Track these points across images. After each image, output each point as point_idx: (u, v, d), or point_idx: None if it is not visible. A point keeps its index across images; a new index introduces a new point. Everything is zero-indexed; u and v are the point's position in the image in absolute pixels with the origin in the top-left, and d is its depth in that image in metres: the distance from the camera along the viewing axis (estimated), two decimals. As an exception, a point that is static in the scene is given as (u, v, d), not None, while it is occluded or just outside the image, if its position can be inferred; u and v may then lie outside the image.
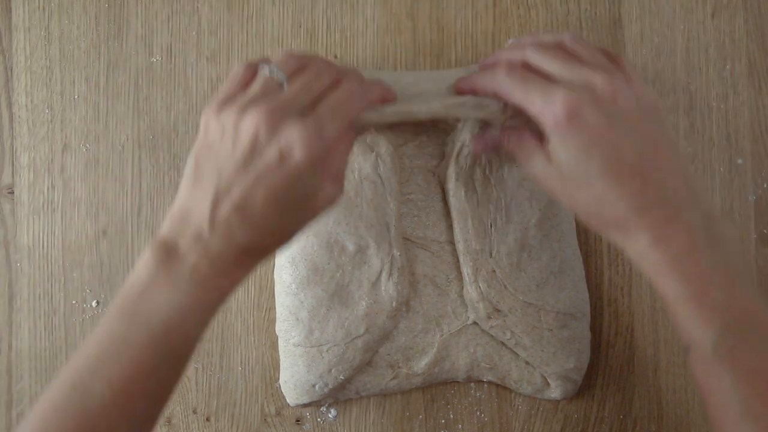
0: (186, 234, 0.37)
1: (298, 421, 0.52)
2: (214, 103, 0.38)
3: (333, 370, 0.48)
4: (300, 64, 0.40)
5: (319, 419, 0.52)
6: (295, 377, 0.49)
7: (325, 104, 0.38)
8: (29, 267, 0.53)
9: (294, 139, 0.36)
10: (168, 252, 0.37)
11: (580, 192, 0.39)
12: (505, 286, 0.48)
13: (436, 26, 0.53)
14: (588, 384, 0.51)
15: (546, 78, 0.39)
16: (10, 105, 0.54)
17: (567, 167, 0.38)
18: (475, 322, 0.49)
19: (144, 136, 0.53)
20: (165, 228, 0.38)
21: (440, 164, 0.50)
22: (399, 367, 0.49)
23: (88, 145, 0.54)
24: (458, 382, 0.51)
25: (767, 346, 0.35)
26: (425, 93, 0.45)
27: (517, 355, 0.49)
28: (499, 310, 0.48)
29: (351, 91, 0.39)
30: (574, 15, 0.53)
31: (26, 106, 0.54)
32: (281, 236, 0.39)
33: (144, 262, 0.37)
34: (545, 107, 0.38)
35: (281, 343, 0.50)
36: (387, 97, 0.42)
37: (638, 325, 0.52)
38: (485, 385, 0.52)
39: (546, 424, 0.52)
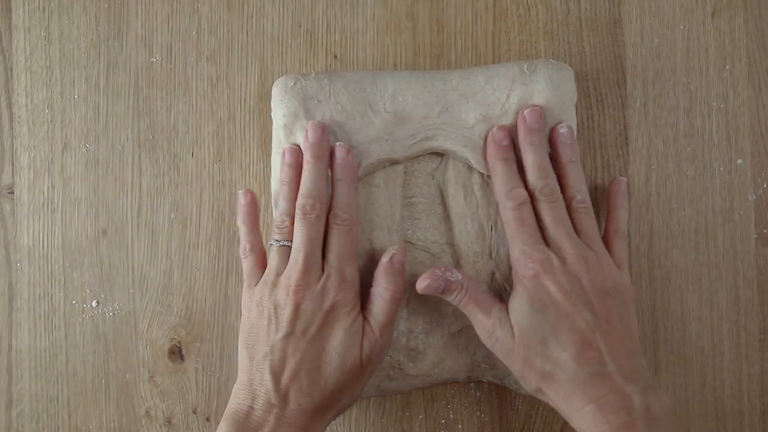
0: (257, 406, 0.42)
1: (298, 421, 0.52)
2: (246, 285, 0.47)
3: None
4: (290, 219, 0.46)
5: (319, 419, 0.52)
6: None
7: (333, 253, 0.44)
8: (29, 267, 0.53)
9: (332, 295, 0.43)
10: (242, 425, 0.41)
11: (530, 357, 0.42)
12: (505, 288, 0.48)
13: (436, 26, 0.53)
14: (588, 384, 0.51)
15: (539, 221, 0.45)
16: (10, 105, 0.54)
17: (524, 326, 0.42)
18: None
19: (144, 136, 0.53)
20: (233, 402, 0.43)
21: (438, 167, 0.50)
22: (399, 368, 0.49)
23: (88, 145, 0.54)
24: (458, 382, 0.51)
25: None
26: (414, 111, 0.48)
27: None
28: None
29: (342, 232, 0.45)
30: (574, 15, 0.53)
31: (26, 106, 0.54)
32: (343, 390, 0.43)
33: None
34: (522, 259, 0.44)
35: None
36: (356, 181, 0.47)
37: (638, 325, 0.52)
38: (485, 385, 0.52)
39: (546, 424, 0.52)
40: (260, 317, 0.44)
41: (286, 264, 0.44)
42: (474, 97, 0.48)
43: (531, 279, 0.43)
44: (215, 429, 0.52)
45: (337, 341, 0.43)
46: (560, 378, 0.41)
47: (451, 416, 0.52)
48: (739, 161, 0.52)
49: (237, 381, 0.44)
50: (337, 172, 0.46)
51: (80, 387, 0.53)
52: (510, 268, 0.48)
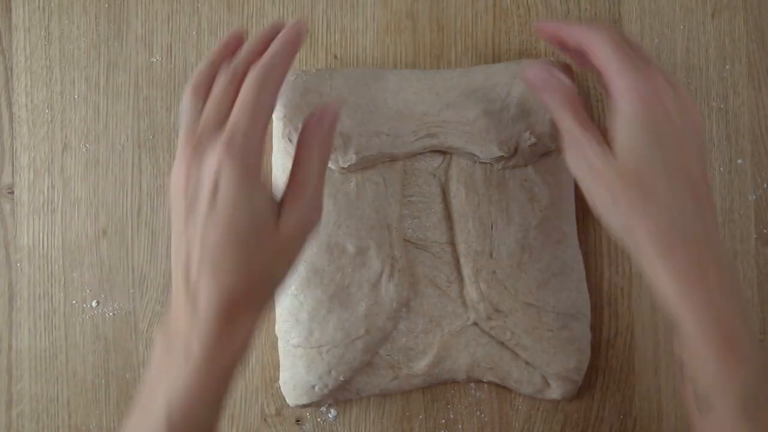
0: (176, 312, 0.35)
1: (298, 421, 0.52)
2: None
3: (333, 371, 0.48)
4: (209, 83, 0.38)
5: (319, 419, 0.52)
6: (294, 378, 0.49)
7: (235, 108, 0.35)
8: (29, 267, 0.53)
9: (217, 167, 0.34)
10: (165, 333, 0.36)
11: (631, 202, 0.34)
12: (506, 287, 0.48)
13: (436, 26, 0.53)
14: (588, 384, 0.51)
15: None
16: (10, 105, 0.54)
17: (631, 154, 0.34)
18: (475, 323, 0.49)
19: (144, 136, 0.53)
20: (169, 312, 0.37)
21: (440, 166, 0.50)
22: (399, 368, 0.49)
23: (88, 145, 0.54)
24: (458, 382, 0.51)
25: None
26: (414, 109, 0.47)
27: (518, 355, 0.49)
28: (499, 311, 0.48)
29: (253, 81, 0.36)
30: (574, 15, 0.53)
31: (26, 106, 0.54)
32: (261, 276, 0.36)
33: (154, 351, 0.37)
34: (632, 73, 0.35)
35: (281, 344, 0.50)
36: (295, 50, 0.38)
37: (638, 325, 0.52)
38: (485, 385, 0.52)
39: (546, 424, 0.52)
40: (184, 179, 0.36)
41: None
42: (474, 93, 0.48)
43: (651, 98, 0.35)
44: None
45: (238, 215, 0.34)
46: (666, 221, 0.34)
47: (451, 416, 0.52)
48: (739, 161, 0.52)
49: None
50: (278, 36, 0.38)
51: (80, 387, 0.53)
52: (510, 269, 0.48)
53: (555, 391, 0.49)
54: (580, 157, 0.37)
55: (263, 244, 0.35)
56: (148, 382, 0.36)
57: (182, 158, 0.35)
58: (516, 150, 0.48)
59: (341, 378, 0.48)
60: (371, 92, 0.48)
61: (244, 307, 0.35)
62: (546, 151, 0.49)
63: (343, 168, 0.48)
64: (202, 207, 0.34)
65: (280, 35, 0.38)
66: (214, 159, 0.34)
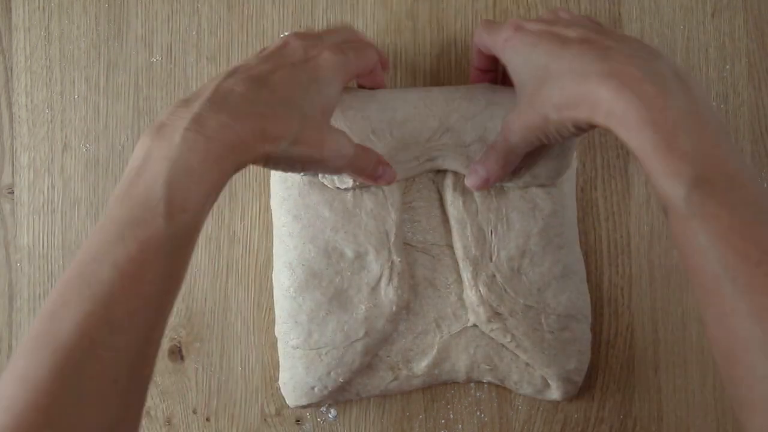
0: (181, 107, 0.35)
1: (298, 421, 0.52)
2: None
3: (332, 373, 0.48)
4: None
5: (319, 419, 0.52)
6: (294, 379, 0.49)
7: (345, 40, 0.43)
8: (29, 267, 0.53)
9: (322, 48, 0.40)
10: (159, 126, 0.35)
11: (541, 94, 0.38)
12: (506, 290, 0.48)
13: (436, 26, 0.53)
14: (588, 384, 0.51)
15: None
16: (10, 105, 0.54)
17: (525, 77, 0.40)
18: (475, 324, 0.49)
19: (144, 136, 0.53)
20: (162, 112, 0.37)
21: (439, 173, 0.50)
22: (399, 369, 0.49)
23: (88, 145, 0.54)
24: (458, 382, 0.51)
25: (739, 198, 0.31)
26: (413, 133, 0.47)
27: (518, 356, 0.49)
28: (499, 314, 0.48)
29: (365, 43, 0.45)
30: (574, 15, 0.53)
31: (26, 106, 0.54)
32: (287, 124, 0.37)
33: (138, 146, 0.35)
34: (499, 34, 0.42)
35: (280, 345, 0.50)
36: (384, 63, 0.47)
37: (638, 325, 0.52)
38: (485, 386, 0.52)
39: (546, 424, 0.52)
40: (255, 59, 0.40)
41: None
42: (473, 118, 0.47)
43: (512, 35, 0.41)
44: (215, 429, 0.52)
45: (306, 87, 0.39)
46: (573, 80, 0.36)
47: (451, 416, 0.52)
48: (739, 161, 0.52)
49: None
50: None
51: (80, 387, 0.53)
52: (510, 272, 0.48)
53: (555, 392, 0.49)
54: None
55: (310, 116, 0.39)
56: (131, 170, 0.35)
57: (286, 36, 0.41)
58: (511, 178, 0.48)
59: (341, 379, 0.48)
60: (373, 125, 0.47)
61: (263, 136, 0.36)
62: (541, 184, 0.48)
63: (339, 188, 0.48)
64: (293, 56, 0.39)
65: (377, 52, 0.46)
66: (320, 45, 0.41)
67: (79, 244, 0.53)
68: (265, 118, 0.36)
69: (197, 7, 0.54)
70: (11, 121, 0.54)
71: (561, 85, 0.37)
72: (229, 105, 0.35)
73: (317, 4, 0.53)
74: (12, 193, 0.54)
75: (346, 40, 0.43)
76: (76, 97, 0.54)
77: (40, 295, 0.53)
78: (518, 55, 0.40)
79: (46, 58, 0.54)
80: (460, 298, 0.49)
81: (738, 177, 0.32)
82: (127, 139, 0.53)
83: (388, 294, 0.48)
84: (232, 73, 0.37)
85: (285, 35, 0.42)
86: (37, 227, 0.53)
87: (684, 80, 0.35)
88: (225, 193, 0.53)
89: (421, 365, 0.49)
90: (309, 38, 0.41)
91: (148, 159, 0.34)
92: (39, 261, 0.53)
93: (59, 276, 0.53)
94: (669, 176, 0.32)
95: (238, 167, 0.36)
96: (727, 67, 0.53)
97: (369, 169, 0.43)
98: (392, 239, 0.48)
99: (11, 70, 0.54)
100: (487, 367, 0.49)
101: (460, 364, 0.49)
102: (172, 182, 0.33)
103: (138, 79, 0.54)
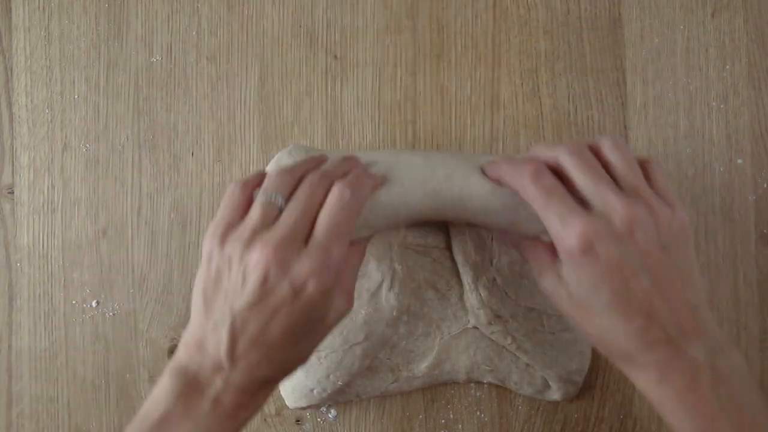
0: (206, 366, 0.38)
1: (298, 421, 0.52)
2: (215, 230, 0.39)
3: (331, 376, 0.48)
4: (293, 180, 0.41)
5: (319, 419, 0.52)
6: (293, 381, 0.49)
7: (324, 225, 0.39)
8: (29, 267, 0.53)
9: (305, 275, 0.37)
10: (188, 382, 0.38)
11: (588, 318, 0.38)
12: (506, 293, 0.48)
13: (436, 26, 0.53)
14: (588, 384, 0.51)
15: (570, 189, 0.39)
16: (10, 105, 0.54)
17: (576, 294, 0.38)
18: (475, 326, 0.49)
19: (144, 136, 0.53)
20: (182, 356, 0.39)
21: None
22: (399, 370, 0.49)
23: (88, 145, 0.54)
24: (458, 382, 0.51)
25: None
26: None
27: (518, 357, 0.49)
28: (500, 316, 0.48)
29: (344, 201, 0.39)
30: (574, 15, 0.53)
31: (26, 106, 0.54)
32: (299, 361, 0.41)
33: (162, 389, 0.38)
34: (561, 233, 0.37)
35: None
36: (376, 187, 0.43)
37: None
38: (485, 385, 0.52)
39: (546, 424, 0.52)
40: (227, 276, 0.39)
41: (266, 224, 0.39)
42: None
43: (578, 256, 0.37)
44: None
45: (303, 321, 0.38)
46: (620, 345, 0.38)
47: (451, 416, 0.52)
48: (739, 161, 0.52)
49: (187, 332, 0.39)
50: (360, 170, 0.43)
51: (80, 387, 0.53)
52: (512, 276, 0.48)
53: (556, 393, 0.49)
54: (543, 273, 0.40)
55: (314, 340, 0.40)
56: (153, 414, 0.38)
57: (264, 256, 0.38)
58: None
59: (339, 382, 0.48)
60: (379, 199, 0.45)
61: (275, 383, 0.41)
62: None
63: None
64: (280, 299, 0.38)
65: (367, 178, 0.42)
66: (303, 271, 0.37)
67: (79, 244, 0.53)
68: (277, 372, 0.40)
69: (197, 7, 0.54)
70: (11, 121, 0.54)
71: (609, 340, 0.38)
72: (245, 376, 0.38)
73: (317, 4, 0.54)
74: (12, 193, 0.54)
75: (325, 230, 0.39)
76: (76, 97, 0.54)
77: (40, 295, 0.53)
78: (578, 277, 0.38)
79: (46, 58, 0.54)
80: (461, 300, 0.49)
81: None
82: (127, 139, 0.53)
83: (388, 299, 0.47)
84: (233, 330, 0.38)
85: (257, 242, 0.38)
86: (37, 227, 0.53)
87: (721, 364, 0.37)
88: (225, 193, 0.53)
89: (422, 366, 0.49)
90: (286, 257, 0.38)
91: (172, 416, 0.38)
92: (39, 261, 0.53)
93: (59, 276, 0.53)
94: None
95: (256, 412, 0.41)
96: (727, 67, 0.53)
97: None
98: (394, 249, 0.48)
99: (11, 70, 0.54)
100: (488, 367, 0.49)
101: (460, 364, 0.49)
102: None
103: (138, 79, 0.54)
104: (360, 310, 0.47)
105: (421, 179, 0.42)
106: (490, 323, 0.48)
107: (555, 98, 0.53)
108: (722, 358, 0.37)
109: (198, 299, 0.39)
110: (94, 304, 0.53)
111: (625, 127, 0.52)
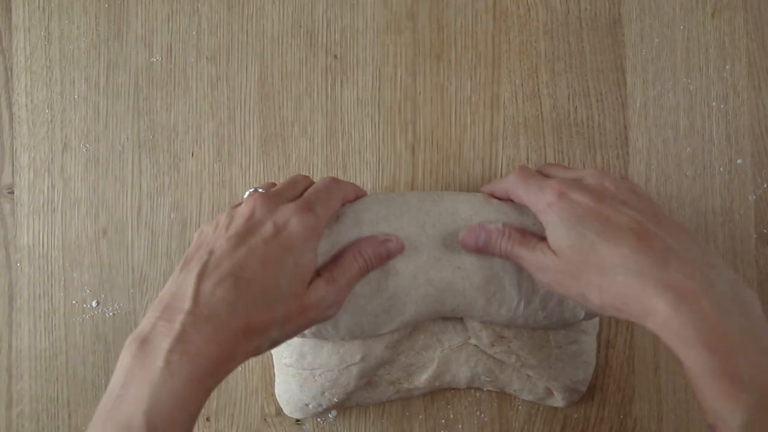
0: (163, 319, 0.34)
1: (298, 421, 0.52)
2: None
3: (326, 393, 0.47)
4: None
5: (318, 420, 0.52)
6: (288, 393, 0.48)
7: (309, 191, 0.41)
8: (29, 267, 0.53)
9: (289, 214, 0.38)
10: (141, 342, 0.34)
11: (584, 273, 0.37)
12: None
13: (436, 26, 0.53)
14: (588, 384, 0.51)
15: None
16: (10, 105, 0.54)
17: (567, 246, 0.38)
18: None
19: (144, 136, 0.53)
20: (143, 320, 0.35)
21: None
22: (400, 383, 0.48)
23: (88, 145, 0.54)
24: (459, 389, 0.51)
25: None
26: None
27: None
28: (503, 337, 0.46)
29: (327, 183, 0.42)
30: (574, 15, 0.53)
31: (26, 106, 0.54)
32: (272, 314, 0.36)
33: (120, 361, 0.34)
34: (539, 195, 0.40)
35: (275, 359, 0.49)
36: (359, 194, 0.45)
37: (638, 325, 0.52)
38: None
39: (546, 425, 0.52)
40: (212, 230, 0.39)
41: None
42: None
43: (555, 202, 0.38)
44: (215, 429, 0.52)
45: (282, 264, 0.37)
46: (626, 279, 0.35)
47: (451, 416, 0.52)
48: (739, 161, 0.52)
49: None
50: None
51: (80, 387, 0.53)
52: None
53: (560, 402, 0.49)
54: (537, 267, 0.40)
55: (291, 294, 0.38)
56: (113, 390, 0.33)
57: (251, 200, 0.39)
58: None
59: (335, 399, 0.47)
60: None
61: (243, 341, 0.35)
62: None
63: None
64: (262, 235, 0.37)
65: (351, 184, 0.45)
66: (287, 211, 0.39)
67: (79, 244, 0.53)
68: (250, 317, 0.35)
69: (197, 7, 0.54)
70: (11, 121, 0.54)
71: (612, 278, 0.35)
72: (211, 315, 0.34)
73: (317, 4, 0.53)
74: (12, 193, 0.54)
75: (311, 193, 0.41)
76: (76, 97, 0.54)
77: (40, 295, 0.53)
78: (562, 224, 0.38)
79: (46, 58, 0.54)
80: None
81: None
82: (127, 139, 0.53)
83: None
84: (205, 269, 0.36)
85: (249, 195, 0.41)
86: (37, 227, 0.53)
87: (741, 296, 0.34)
88: (225, 193, 0.53)
89: (422, 378, 0.48)
90: (273, 201, 0.39)
91: (131, 381, 0.33)
92: (39, 261, 0.53)
93: (59, 276, 0.53)
94: (725, 401, 0.32)
95: (225, 376, 0.35)
96: (727, 67, 0.53)
97: (375, 261, 0.42)
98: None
99: (11, 70, 0.54)
100: (488, 378, 0.48)
101: (461, 376, 0.48)
102: (154, 409, 0.32)
103: (138, 79, 0.54)
104: None
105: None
106: (492, 344, 0.47)
107: (555, 98, 0.53)
108: (740, 289, 0.35)
109: (177, 266, 0.38)
110: (94, 304, 0.53)
111: (625, 127, 0.52)
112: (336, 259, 0.41)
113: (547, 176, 0.43)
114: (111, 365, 0.53)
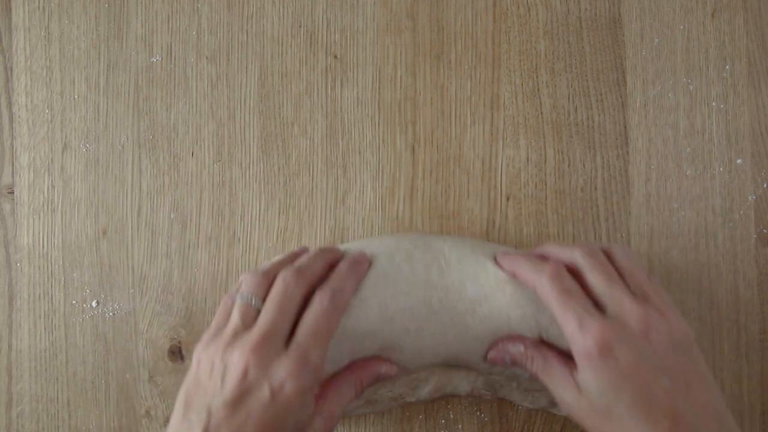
0: None
1: (298, 421, 0.52)
2: (204, 338, 0.41)
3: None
4: (268, 280, 0.42)
5: (319, 419, 0.52)
6: None
7: (303, 329, 0.40)
8: (29, 267, 0.53)
9: (284, 376, 0.38)
10: None
11: (611, 427, 0.38)
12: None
13: (436, 26, 0.53)
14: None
15: (586, 291, 0.41)
16: (10, 105, 0.54)
17: (597, 400, 0.38)
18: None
19: (144, 136, 0.53)
20: None
21: None
22: (402, 398, 0.48)
23: (88, 145, 0.54)
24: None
25: None
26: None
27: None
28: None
29: (324, 307, 0.41)
30: (574, 15, 0.53)
31: (26, 106, 0.54)
32: None
33: None
34: (579, 334, 0.38)
35: None
36: (361, 277, 0.43)
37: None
38: (485, 385, 0.52)
39: (546, 425, 0.52)
40: (208, 375, 0.40)
41: (246, 326, 0.40)
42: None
43: (596, 356, 0.38)
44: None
45: (282, 428, 0.38)
46: None
47: (451, 416, 0.52)
48: (739, 161, 0.52)
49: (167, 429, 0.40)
50: (344, 260, 0.44)
51: (80, 387, 0.53)
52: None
53: (562, 411, 0.48)
54: (557, 396, 0.41)
55: None
56: None
57: (243, 356, 0.38)
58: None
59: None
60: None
61: None
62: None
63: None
64: (259, 400, 0.38)
65: (348, 259, 0.43)
66: (282, 371, 0.38)
67: (79, 244, 0.53)
68: None
69: (197, 7, 0.54)
70: (11, 121, 0.54)
71: None
72: None
73: (317, 4, 0.54)
74: (12, 193, 0.54)
75: (305, 334, 0.40)
76: (76, 97, 0.54)
77: (40, 295, 0.53)
78: (596, 384, 0.38)
79: (46, 58, 0.54)
80: None
81: None
82: (127, 139, 0.53)
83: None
84: (206, 430, 0.37)
85: (243, 279, 0.42)
86: (37, 227, 0.53)
87: None
88: (225, 193, 0.53)
89: (423, 392, 0.48)
90: (265, 351, 0.39)
91: None
92: (39, 261, 0.53)
93: (59, 276, 0.53)
94: None
95: None
96: (727, 67, 0.53)
97: (368, 386, 0.43)
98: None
99: (11, 70, 0.54)
100: (488, 393, 0.48)
101: (461, 389, 0.48)
102: None
103: (138, 79, 0.54)
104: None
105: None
106: (490, 373, 0.46)
107: (555, 98, 0.53)
108: None
109: (179, 402, 0.40)
110: (94, 304, 0.53)
111: (625, 127, 0.52)
112: (333, 385, 0.42)
113: (545, 258, 0.43)
114: (111, 365, 0.53)
